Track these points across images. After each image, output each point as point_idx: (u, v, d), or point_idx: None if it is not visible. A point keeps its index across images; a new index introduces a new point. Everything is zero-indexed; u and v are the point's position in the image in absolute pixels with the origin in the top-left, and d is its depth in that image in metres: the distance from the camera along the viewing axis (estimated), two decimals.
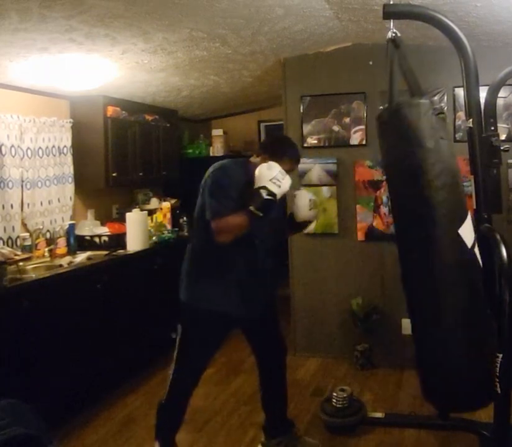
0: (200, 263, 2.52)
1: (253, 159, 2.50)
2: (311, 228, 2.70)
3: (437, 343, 2.21)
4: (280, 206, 2.51)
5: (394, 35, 2.33)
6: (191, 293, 2.51)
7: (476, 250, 2.20)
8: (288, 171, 2.37)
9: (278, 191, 2.26)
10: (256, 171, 2.30)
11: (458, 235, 2.13)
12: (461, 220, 2.16)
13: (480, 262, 2.22)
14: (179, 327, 2.52)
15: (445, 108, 3.82)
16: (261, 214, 2.25)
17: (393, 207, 2.52)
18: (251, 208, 2.25)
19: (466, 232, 2.16)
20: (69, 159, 4.12)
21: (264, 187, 2.24)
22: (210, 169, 2.44)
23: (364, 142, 3.95)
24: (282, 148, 2.46)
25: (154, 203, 5.01)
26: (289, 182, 2.31)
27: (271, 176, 2.25)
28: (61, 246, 3.85)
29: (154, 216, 4.65)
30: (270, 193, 2.24)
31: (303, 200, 2.53)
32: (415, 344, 2.37)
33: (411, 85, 2.38)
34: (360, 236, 4.00)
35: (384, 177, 2.56)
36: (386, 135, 2.37)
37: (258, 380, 2.81)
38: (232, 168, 2.44)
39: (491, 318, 2.21)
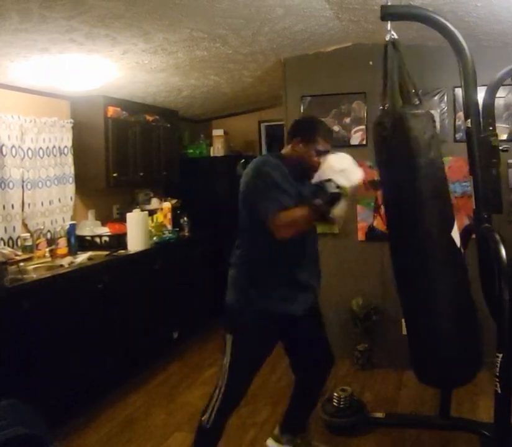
0: (253, 267, 2.35)
1: (285, 150, 2.35)
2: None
3: (428, 332, 2.34)
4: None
5: (393, 37, 2.32)
6: (246, 296, 2.34)
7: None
8: (325, 152, 2.23)
9: (348, 185, 2.08)
10: (324, 162, 2.14)
11: (450, 238, 2.24)
12: (451, 227, 2.27)
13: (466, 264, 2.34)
14: (228, 336, 2.36)
15: (446, 108, 3.83)
16: (327, 209, 2.08)
17: (386, 210, 2.51)
18: (318, 201, 2.07)
19: (455, 237, 2.27)
20: (69, 159, 4.12)
21: (330, 180, 2.07)
22: (251, 166, 2.26)
23: (364, 142, 3.95)
24: (311, 128, 2.30)
25: (155, 203, 5.01)
26: (359, 174, 2.14)
27: (341, 167, 2.09)
28: (62, 246, 3.85)
29: (155, 216, 4.65)
30: (338, 186, 2.07)
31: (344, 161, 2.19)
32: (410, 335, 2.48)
33: (404, 90, 2.37)
34: (360, 236, 4.00)
35: (379, 179, 2.54)
36: (386, 142, 2.34)
37: (293, 380, 2.72)
38: (275, 162, 2.25)
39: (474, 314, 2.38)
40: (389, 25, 2.30)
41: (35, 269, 3.39)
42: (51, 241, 3.86)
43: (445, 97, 3.81)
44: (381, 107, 2.44)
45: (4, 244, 3.51)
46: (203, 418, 2.37)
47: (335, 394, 3.04)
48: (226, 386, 2.34)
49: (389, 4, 2.27)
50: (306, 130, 2.31)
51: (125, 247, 3.99)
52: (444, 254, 2.28)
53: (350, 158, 2.14)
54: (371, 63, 3.83)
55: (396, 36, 2.30)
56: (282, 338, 2.51)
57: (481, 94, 2.34)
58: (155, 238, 4.36)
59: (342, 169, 2.09)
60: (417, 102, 2.35)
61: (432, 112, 3.83)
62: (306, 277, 2.41)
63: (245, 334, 2.35)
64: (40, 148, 3.86)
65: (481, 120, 2.34)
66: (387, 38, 2.30)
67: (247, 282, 2.35)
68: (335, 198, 2.08)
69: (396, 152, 2.28)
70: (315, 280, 2.51)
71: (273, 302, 2.32)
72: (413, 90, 2.35)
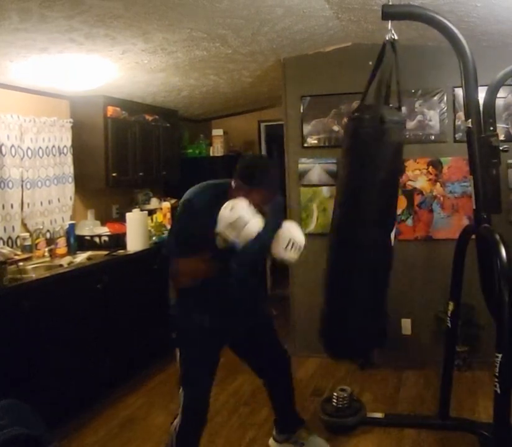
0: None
1: (232, 183, 2.17)
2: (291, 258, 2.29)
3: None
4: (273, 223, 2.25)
5: (393, 37, 2.32)
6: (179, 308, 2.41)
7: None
8: (264, 202, 2.11)
9: (239, 238, 1.99)
10: (221, 210, 2.01)
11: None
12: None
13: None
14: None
15: (445, 108, 3.83)
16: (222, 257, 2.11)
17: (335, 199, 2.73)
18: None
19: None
20: (69, 159, 4.12)
21: (221, 233, 2.01)
22: (185, 196, 2.20)
23: None
24: (255, 176, 2.09)
25: (154, 203, 5.01)
26: (256, 225, 2.01)
27: (231, 219, 1.97)
28: (61, 246, 3.85)
29: (154, 216, 4.65)
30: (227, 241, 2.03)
31: (282, 237, 2.22)
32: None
33: (389, 91, 2.40)
34: None
35: (343, 167, 2.67)
36: (359, 137, 2.47)
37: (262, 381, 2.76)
38: (205, 195, 2.18)
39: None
40: (390, 24, 2.30)
41: (34, 269, 3.39)
42: (51, 241, 3.86)
43: (445, 97, 3.81)
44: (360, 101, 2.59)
45: (3, 244, 3.51)
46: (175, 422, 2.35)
47: (335, 394, 3.04)
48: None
49: (390, 3, 2.28)
50: (249, 177, 2.10)
51: (124, 247, 3.99)
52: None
53: (245, 206, 2.00)
54: (371, 63, 3.82)
55: (396, 36, 2.30)
56: (232, 347, 2.59)
57: (480, 94, 2.34)
58: (154, 238, 4.36)
59: (233, 221, 1.98)
60: (397, 106, 2.47)
61: (431, 112, 3.85)
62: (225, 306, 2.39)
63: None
64: (40, 147, 3.86)
65: (482, 120, 2.34)
66: (387, 38, 2.30)
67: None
68: (223, 251, 2.13)
69: (367, 151, 2.41)
70: (234, 311, 2.44)
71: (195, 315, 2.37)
72: (398, 95, 2.41)
